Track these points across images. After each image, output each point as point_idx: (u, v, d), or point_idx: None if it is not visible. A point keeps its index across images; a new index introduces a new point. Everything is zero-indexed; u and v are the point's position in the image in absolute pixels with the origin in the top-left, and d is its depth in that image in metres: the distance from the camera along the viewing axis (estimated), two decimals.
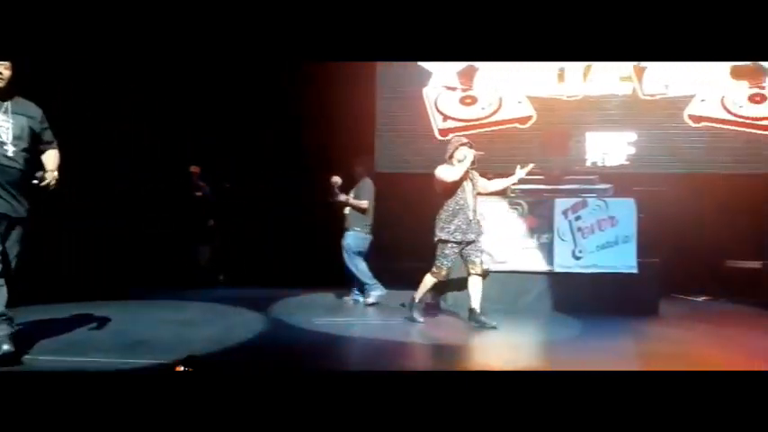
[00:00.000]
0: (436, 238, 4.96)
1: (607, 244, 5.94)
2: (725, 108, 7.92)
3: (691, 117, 7.96)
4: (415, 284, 5.13)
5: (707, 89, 7.90)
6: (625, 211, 5.96)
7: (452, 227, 4.88)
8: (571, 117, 8.00)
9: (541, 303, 5.91)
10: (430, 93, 8.28)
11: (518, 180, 5.19)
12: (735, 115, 7.89)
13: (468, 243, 4.91)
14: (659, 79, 7.96)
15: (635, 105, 8.00)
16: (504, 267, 5.91)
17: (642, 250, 5.90)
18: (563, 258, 5.91)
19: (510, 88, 8.15)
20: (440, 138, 8.11)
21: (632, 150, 8.00)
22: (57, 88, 5.69)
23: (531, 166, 5.13)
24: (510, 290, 5.91)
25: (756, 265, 6.86)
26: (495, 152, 7.99)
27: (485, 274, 5.08)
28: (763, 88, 7.82)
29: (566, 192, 6.13)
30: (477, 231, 4.96)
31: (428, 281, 5.04)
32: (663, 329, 5.10)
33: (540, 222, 5.99)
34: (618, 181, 6.48)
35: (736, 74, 7.81)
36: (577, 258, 5.91)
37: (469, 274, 4.98)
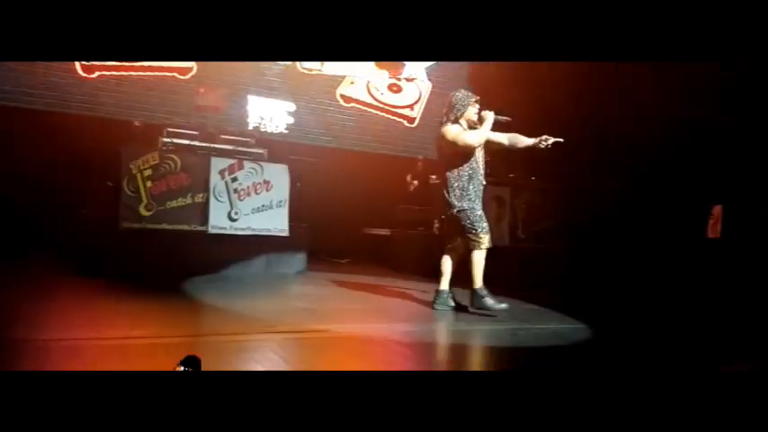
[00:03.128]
0: (455, 210, 4.23)
1: (262, 207, 5.95)
2: (369, 93, 8.77)
3: (342, 97, 8.57)
4: None
5: (356, 73, 8.61)
6: (279, 176, 6.04)
7: (470, 193, 4.26)
8: (231, 77, 7.70)
9: (196, 266, 5.40)
10: None
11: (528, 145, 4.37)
12: (377, 101, 8.81)
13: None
14: None
15: (294, 77, 8.20)
16: (155, 227, 5.35)
17: (294, 215, 6.10)
18: (218, 219, 5.66)
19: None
20: (82, 74, 6.87)
21: (291, 120, 8.19)
22: None
23: (553, 140, 4.25)
24: (161, 251, 5.32)
25: (386, 232, 7.82)
26: (150, 100, 7.25)
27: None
28: (400, 80, 8.93)
29: (221, 152, 5.88)
30: (482, 200, 4.38)
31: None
32: (307, 288, 5.38)
33: (194, 180, 5.59)
34: (276, 147, 6.55)
35: (379, 63, 8.70)
36: (234, 220, 5.74)
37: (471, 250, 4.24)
